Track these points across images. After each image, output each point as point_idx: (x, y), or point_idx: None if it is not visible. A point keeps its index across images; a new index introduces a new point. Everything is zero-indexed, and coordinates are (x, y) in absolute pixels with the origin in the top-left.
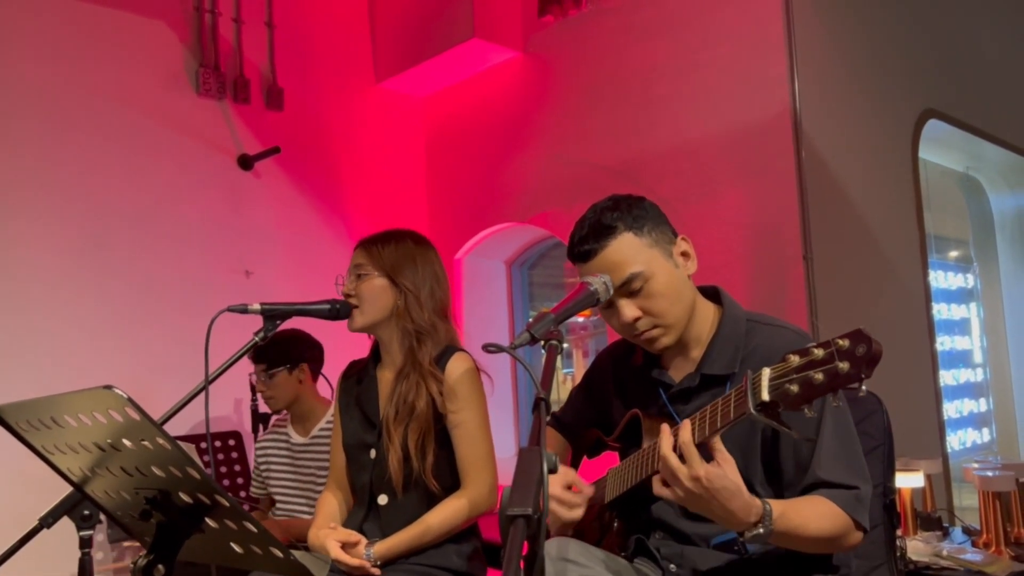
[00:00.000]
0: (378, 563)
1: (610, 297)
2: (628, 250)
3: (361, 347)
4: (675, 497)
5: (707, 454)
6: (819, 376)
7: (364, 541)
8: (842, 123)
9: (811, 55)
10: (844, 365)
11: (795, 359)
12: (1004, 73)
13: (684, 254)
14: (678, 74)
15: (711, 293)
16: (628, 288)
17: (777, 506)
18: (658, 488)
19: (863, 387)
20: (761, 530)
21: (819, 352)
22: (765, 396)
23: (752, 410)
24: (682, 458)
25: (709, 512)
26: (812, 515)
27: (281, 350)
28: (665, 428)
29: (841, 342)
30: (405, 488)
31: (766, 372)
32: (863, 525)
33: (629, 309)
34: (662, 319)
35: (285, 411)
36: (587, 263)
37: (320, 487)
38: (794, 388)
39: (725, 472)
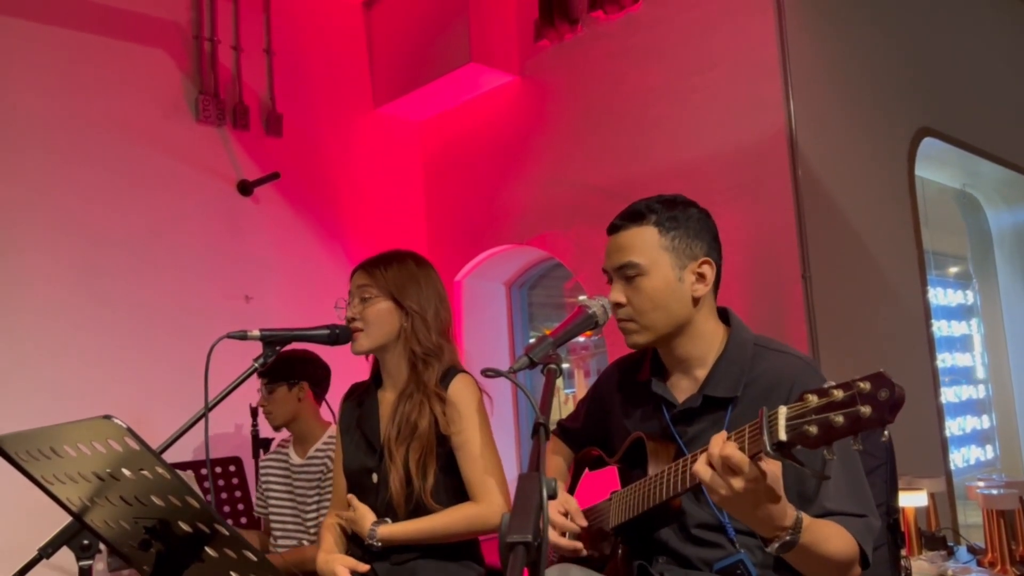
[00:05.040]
0: (379, 544)
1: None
2: (642, 242)
3: (367, 372)
4: (717, 498)
5: None
6: (839, 419)
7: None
8: (838, 143)
9: (805, 76)
10: (866, 410)
11: (813, 399)
12: (998, 90)
13: (700, 275)
14: (674, 97)
15: (720, 314)
16: (623, 273)
17: (805, 518)
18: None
19: (886, 432)
20: (789, 537)
21: (839, 394)
22: (782, 436)
23: (768, 449)
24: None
25: (744, 512)
26: (832, 534)
27: (283, 367)
28: (715, 440)
29: (862, 385)
30: (407, 512)
31: (783, 411)
32: (867, 558)
33: (616, 293)
34: (638, 317)
35: (289, 432)
36: (610, 236)
37: (311, 508)
38: (813, 430)
39: (776, 474)
